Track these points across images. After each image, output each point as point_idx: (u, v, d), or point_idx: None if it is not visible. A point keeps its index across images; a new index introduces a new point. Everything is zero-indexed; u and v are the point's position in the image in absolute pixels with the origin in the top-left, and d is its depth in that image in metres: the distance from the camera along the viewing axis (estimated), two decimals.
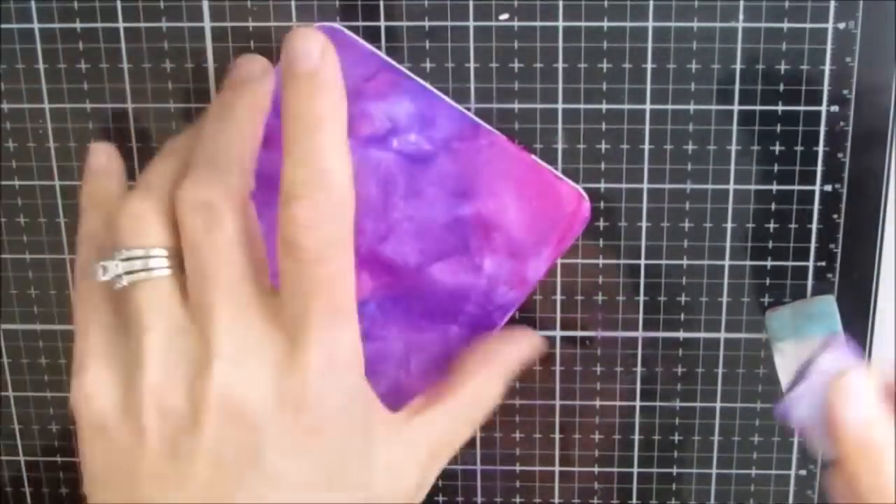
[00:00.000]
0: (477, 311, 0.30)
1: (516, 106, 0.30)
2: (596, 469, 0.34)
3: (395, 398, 0.27)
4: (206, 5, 0.29)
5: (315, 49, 0.23)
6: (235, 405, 0.22)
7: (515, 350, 0.29)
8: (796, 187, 0.30)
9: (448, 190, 0.29)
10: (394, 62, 0.29)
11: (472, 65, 0.30)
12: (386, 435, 0.25)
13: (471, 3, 0.29)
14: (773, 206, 0.31)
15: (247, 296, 0.23)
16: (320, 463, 0.23)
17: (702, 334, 0.32)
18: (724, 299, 0.32)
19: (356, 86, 0.28)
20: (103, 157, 0.28)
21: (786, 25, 0.29)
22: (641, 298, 0.32)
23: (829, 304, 0.31)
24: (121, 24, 0.30)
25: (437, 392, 0.27)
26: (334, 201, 0.23)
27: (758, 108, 0.30)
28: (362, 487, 0.24)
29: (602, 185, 0.31)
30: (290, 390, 0.23)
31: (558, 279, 0.31)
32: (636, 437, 0.33)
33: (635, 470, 0.34)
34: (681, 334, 0.32)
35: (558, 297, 0.32)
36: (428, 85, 0.29)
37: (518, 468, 0.34)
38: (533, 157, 0.29)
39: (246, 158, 0.25)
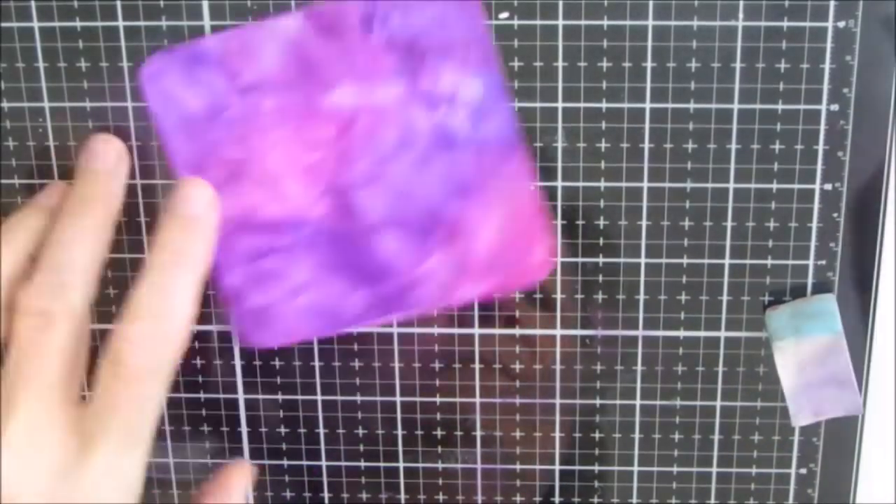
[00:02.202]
0: (385, 293, 0.30)
1: (516, 105, 0.30)
2: (596, 468, 0.34)
3: (263, 318, 0.29)
4: (205, 4, 0.29)
5: (202, 197, 0.26)
6: (9, 495, 0.23)
7: (237, 487, 0.32)
8: (796, 186, 0.30)
9: (452, 179, 0.29)
10: (492, 44, 0.29)
11: None
12: None
13: None
14: (773, 205, 0.31)
15: (53, 402, 0.24)
16: None
17: (702, 333, 0.32)
18: (725, 298, 0.32)
19: (450, 38, 0.28)
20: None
21: (786, 24, 0.29)
22: (641, 297, 0.32)
23: (829, 304, 0.31)
24: (121, 23, 0.30)
25: None
26: (169, 336, 0.25)
27: (758, 106, 0.30)
28: None
29: (602, 184, 0.31)
30: (64, 495, 0.24)
31: (558, 278, 0.31)
32: (636, 435, 0.33)
33: (636, 468, 0.34)
34: (681, 333, 0.32)
35: (558, 295, 0.32)
36: (506, 84, 0.29)
37: (518, 467, 0.34)
38: (541, 206, 0.29)
39: (91, 271, 0.26)
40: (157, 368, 0.25)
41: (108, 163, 0.28)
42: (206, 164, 0.29)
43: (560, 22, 0.29)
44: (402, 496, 0.34)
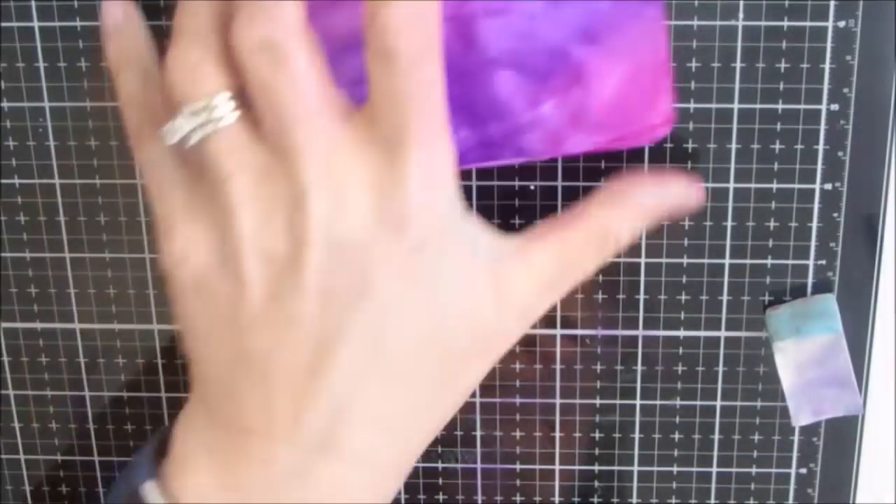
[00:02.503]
0: (491, 135, 0.27)
1: None
2: (596, 468, 0.34)
3: None
4: None
5: None
6: (337, 235, 0.21)
7: (659, 194, 0.26)
8: (796, 186, 0.30)
9: (582, 23, 0.27)
10: None
11: None
12: (495, 255, 0.23)
13: None
14: (773, 205, 0.31)
15: (329, 123, 0.22)
16: (430, 284, 0.22)
17: (702, 333, 0.32)
18: (725, 298, 0.32)
19: None
20: (120, 14, 0.26)
21: (786, 24, 0.29)
22: (642, 297, 0.32)
23: (829, 303, 0.31)
24: None
25: (562, 220, 0.25)
26: (427, 8, 0.22)
27: (758, 106, 0.30)
28: (467, 315, 0.23)
29: (602, 184, 0.31)
30: (392, 210, 0.22)
31: None
32: (636, 435, 0.33)
33: (636, 468, 0.34)
34: (681, 333, 0.32)
35: None
36: None
37: (518, 467, 0.34)
38: (668, 62, 0.27)
39: None
40: (428, 45, 0.22)
41: None
42: None
43: None
44: (403, 496, 0.34)
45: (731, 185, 0.31)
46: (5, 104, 0.31)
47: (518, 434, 0.33)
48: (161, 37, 0.30)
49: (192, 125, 0.22)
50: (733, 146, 0.30)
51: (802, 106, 0.30)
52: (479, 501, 0.34)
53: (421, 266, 0.22)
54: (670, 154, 0.30)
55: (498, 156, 0.28)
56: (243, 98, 0.23)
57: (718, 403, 0.33)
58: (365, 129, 0.22)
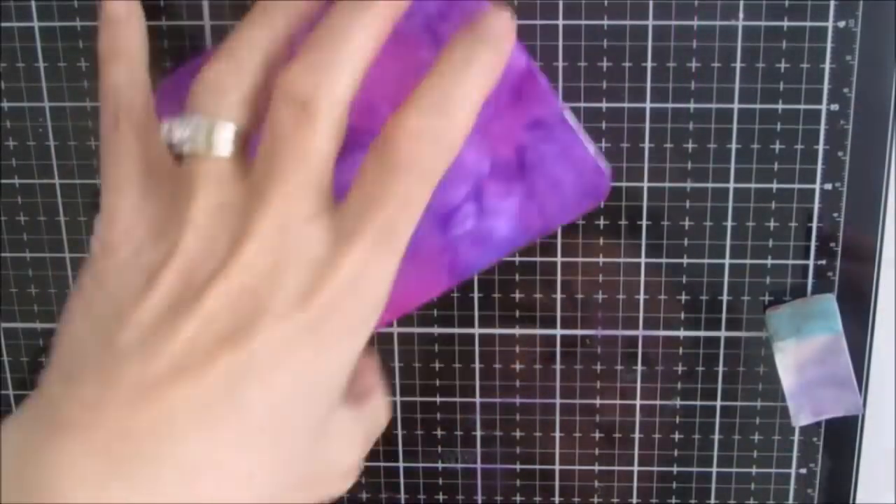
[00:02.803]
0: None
1: None
2: (596, 467, 0.34)
3: None
4: (205, 4, 0.29)
5: (503, 23, 0.23)
6: (250, 282, 0.22)
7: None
8: (796, 186, 0.30)
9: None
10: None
11: None
12: (346, 401, 0.25)
13: None
14: (773, 205, 0.31)
15: (308, 200, 0.22)
16: (306, 374, 0.22)
17: (702, 333, 0.32)
18: (725, 298, 0.32)
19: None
20: (122, 8, 0.26)
21: (786, 24, 0.29)
22: (641, 297, 0.32)
23: (829, 303, 0.31)
24: None
25: (372, 384, 0.27)
26: (446, 137, 0.22)
27: (758, 106, 0.30)
28: (322, 431, 0.24)
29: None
30: (312, 289, 0.22)
31: (558, 278, 0.31)
32: (636, 435, 0.33)
33: (636, 468, 0.34)
34: (681, 333, 0.32)
35: (558, 295, 0.32)
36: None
37: (518, 467, 0.34)
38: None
39: (366, 63, 0.23)
40: (428, 168, 0.22)
41: None
42: None
43: (560, 22, 0.29)
44: (402, 496, 0.34)
45: (731, 185, 0.31)
46: (5, 104, 0.31)
47: (518, 434, 0.33)
48: (161, 37, 0.30)
49: (191, 135, 0.23)
50: (733, 146, 0.30)
51: (802, 106, 0.30)
52: (479, 501, 0.34)
53: (308, 348, 0.22)
54: (670, 154, 0.30)
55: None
56: (248, 137, 0.23)
57: (718, 403, 0.33)
58: (331, 218, 0.23)
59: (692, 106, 0.30)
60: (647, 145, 0.30)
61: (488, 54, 0.23)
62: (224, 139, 0.23)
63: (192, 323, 0.22)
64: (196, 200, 0.23)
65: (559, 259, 0.31)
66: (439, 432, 0.33)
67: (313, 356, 0.22)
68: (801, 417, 0.32)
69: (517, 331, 0.32)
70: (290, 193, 0.22)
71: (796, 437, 0.33)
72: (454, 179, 0.28)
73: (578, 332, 0.32)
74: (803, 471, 0.33)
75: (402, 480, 0.34)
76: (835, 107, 0.30)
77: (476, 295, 0.32)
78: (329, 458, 0.25)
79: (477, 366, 0.33)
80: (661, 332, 0.32)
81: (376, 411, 0.27)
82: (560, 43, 0.29)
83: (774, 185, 0.30)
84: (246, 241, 0.22)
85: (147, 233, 0.23)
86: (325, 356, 0.22)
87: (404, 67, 0.27)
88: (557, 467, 0.34)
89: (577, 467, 0.34)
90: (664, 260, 0.31)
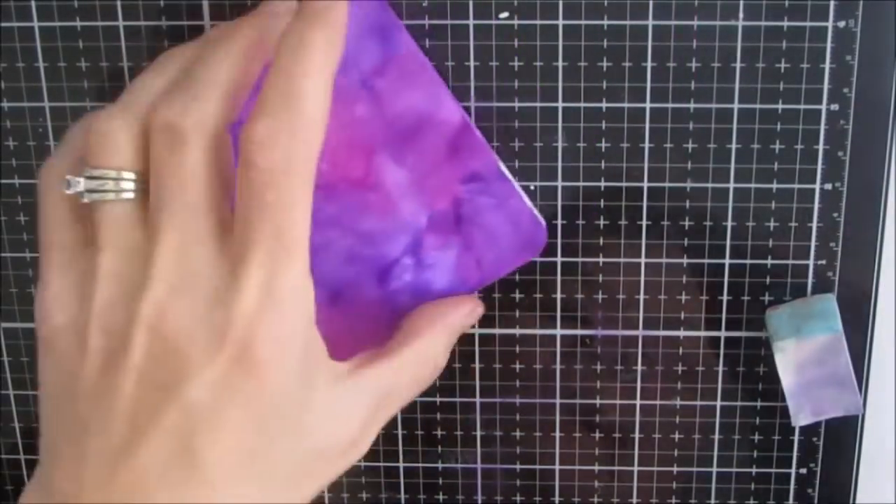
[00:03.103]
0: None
1: (516, 104, 0.30)
2: (596, 467, 0.34)
3: None
4: (205, 4, 0.29)
5: None
6: (164, 331, 0.22)
7: (460, 316, 0.29)
8: (796, 186, 0.30)
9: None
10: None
11: (471, 63, 0.30)
12: (327, 381, 0.24)
13: (470, 2, 0.29)
14: (773, 205, 0.31)
15: (198, 223, 0.23)
16: (250, 403, 0.22)
17: (702, 333, 0.32)
18: (725, 298, 0.32)
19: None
20: None
21: (786, 24, 0.29)
22: (642, 297, 0.32)
23: (829, 303, 0.31)
24: (121, 23, 0.30)
25: (383, 348, 0.27)
26: (297, 129, 0.22)
27: (758, 106, 0.30)
28: (296, 433, 0.23)
29: (602, 184, 0.31)
30: (222, 323, 0.22)
31: (558, 278, 0.31)
32: (637, 435, 0.33)
33: (636, 468, 0.34)
34: (681, 333, 0.32)
35: (559, 295, 0.32)
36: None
37: (518, 467, 0.34)
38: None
39: (231, 88, 0.24)
40: (290, 166, 0.22)
41: (276, 9, 0.25)
42: None
43: (560, 22, 0.29)
44: (402, 496, 0.34)
45: (731, 185, 0.31)
46: (5, 104, 0.31)
47: (518, 434, 0.33)
48: (162, 37, 0.30)
49: (87, 187, 0.23)
50: (733, 146, 0.30)
51: (802, 106, 0.30)
52: (479, 501, 0.34)
53: (242, 386, 0.22)
54: (670, 154, 0.30)
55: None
56: (148, 186, 0.24)
57: (718, 403, 0.33)
58: (225, 238, 0.23)
59: (692, 106, 0.30)
60: (647, 145, 0.30)
61: (319, 32, 0.23)
62: (123, 184, 0.23)
63: (128, 378, 0.22)
64: (104, 251, 0.23)
65: (559, 259, 0.31)
66: (439, 432, 0.33)
67: (255, 384, 0.22)
68: (801, 417, 0.32)
69: (517, 331, 0.32)
70: (179, 219, 0.23)
71: (796, 437, 0.33)
72: (392, 233, 0.28)
73: (578, 332, 0.32)
74: (803, 471, 0.33)
75: (402, 480, 0.34)
76: (835, 107, 0.30)
77: (476, 295, 0.32)
78: (318, 446, 0.24)
79: (477, 366, 0.33)
80: (661, 332, 0.32)
81: (384, 375, 0.26)
82: (560, 43, 0.29)
83: (774, 185, 0.30)
84: (150, 284, 0.22)
85: (70, 292, 0.24)
86: (267, 377, 0.22)
87: (339, 123, 0.27)
88: (557, 467, 0.34)
89: (577, 467, 0.34)
90: (664, 260, 0.31)
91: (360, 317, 0.29)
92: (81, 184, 0.23)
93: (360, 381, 0.25)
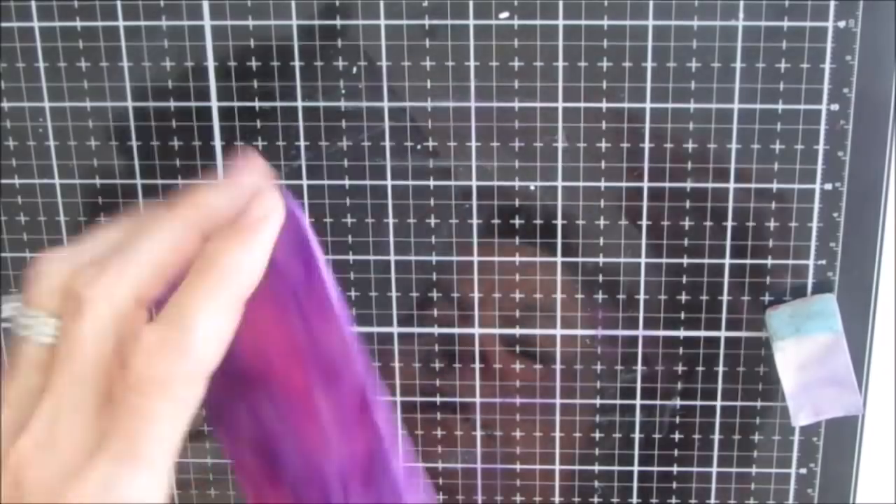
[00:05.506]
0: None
1: (516, 104, 0.30)
2: (596, 467, 0.34)
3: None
4: (206, 4, 0.29)
5: (271, 210, 0.24)
6: (20, 480, 0.23)
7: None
8: (796, 186, 0.30)
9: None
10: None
11: (472, 63, 0.30)
12: None
13: (471, 2, 0.29)
14: (773, 205, 0.31)
15: (77, 392, 0.24)
16: None
17: (702, 332, 0.32)
18: (725, 298, 0.32)
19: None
20: None
21: (786, 24, 0.29)
22: (642, 297, 0.32)
23: (829, 303, 0.31)
24: (121, 23, 0.30)
25: None
26: (185, 349, 0.23)
27: (758, 106, 0.30)
28: None
29: (602, 184, 0.31)
30: (62, 496, 0.23)
31: (558, 278, 0.31)
32: (637, 435, 0.33)
33: (636, 468, 0.34)
34: (681, 333, 0.32)
35: (559, 295, 0.32)
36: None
37: (519, 467, 0.34)
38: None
39: (156, 266, 0.24)
40: (165, 382, 0.23)
41: (237, 189, 0.26)
42: None
43: (560, 22, 0.29)
44: None
45: (731, 185, 0.31)
46: (5, 104, 0.31)
47: (518, 434, 0.33)
48: (161, 37, 0.30)
49: (24, 323, 0.24)
50: (733, 146, 0.30)
51: (802, 106, 0.30)
52: (479, 501, 0.34)
53: None
54: (670, 154, 0.30)
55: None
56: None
57: (718, 403, 0.33)
58: (103, 416, 0.24)
59: (692, 106, 0.30)
60: (647, 145, 0.30)
61: (237, 256, 0.23)
62: (46, 329, 0.24)
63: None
64: (11, 385, 0.24)
65: (559, 259, 0.31)
66: (440, 432, 0.33)
67: None
68: (801, 417, 0.32)
69: (517, 331, 0.32)
70: (61, 383, 0.24)
71: (796, 437, 0.33)
72: (324, 458, 0.28)
73: (578, 332, 0.32)
74: (803, 471, 0.33)
75: None
76: (835, 107, 0.30)
77: (476, 295, 0.32)
78: None
79: (477, 366, 0.33)
80: (661, 332, 0.32)
81: None
82: (560, 43, 0.29)
83: (774, 186, 0.30)
84: (23, 433, 0.23)
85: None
86: None
87: (271, 328, 0.27)
88: (557, 467, 0.34)
89: (577, 467, 0.34)
90: (664, 260, 0.31)
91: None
92: (17, 318, 0.25)
93: None
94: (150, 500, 0.24)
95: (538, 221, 0.31)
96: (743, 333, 0.32)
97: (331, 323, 0.26)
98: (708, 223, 0.31)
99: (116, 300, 0.24)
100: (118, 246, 0.25)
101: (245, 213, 0.24)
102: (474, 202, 0.31)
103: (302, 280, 0.26)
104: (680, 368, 0.32)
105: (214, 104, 0.31)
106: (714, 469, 0.33)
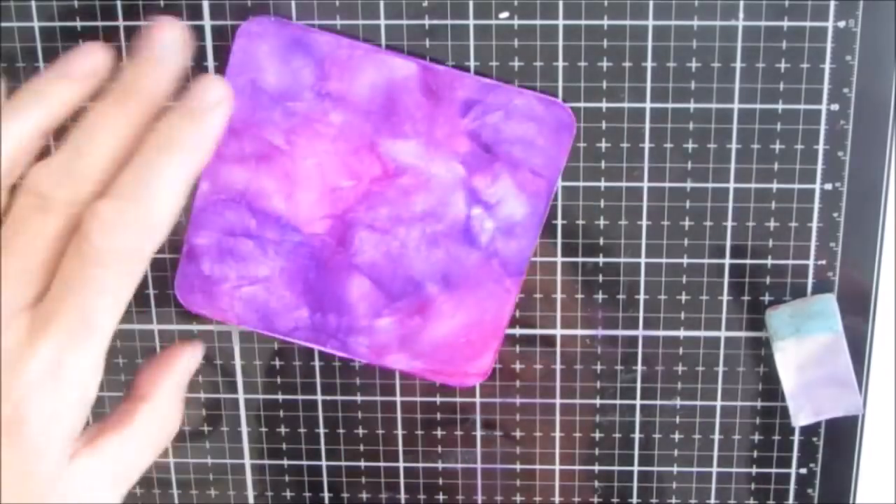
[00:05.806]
0: (323, 324, 0.31)
1: None
2: (596, 468, 0.34)
3: (203, 286, 0.30)
4: (206, 4, 0.29)
5: (216, 91, 0.24)
6: None
7: (180, 368, 0.28)
8: (796, 186, 0.30)
9: (444, 268, 0.31)
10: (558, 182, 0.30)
11: (472, 63, 0.30)
12: (72, 459, 0.24)
13: (471, 2, 0.29)
14: (773, 205, 0.31)
15: (26, 283, 0.23)
16: (6, 470, 0.23)
17: (702, 333, 0.32)
18: (725, 298, 0.32)
19: (528, 160, 0.29)
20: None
21: (786, 24, 0.29)
22: (641, 297, 0.32)
23: (829, 303, 0.31)
24: (121, 23, 0.30)
25: (113, 417, 0.26)
26: (144, 221, 0.23)
27: (758, 106, 0.30)
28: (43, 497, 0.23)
29: (602, 184, 0.31)
30: (6, 389, 0.22)
31: (558, 278, 0.31)
32: (637, 435, 0.33)
33: (636, 468, 0.34)
34: (681, 333, 0.32)
35: (559, 295, 0.32)
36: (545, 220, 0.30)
37: (519, 467, 0.34)
38: (503, 331, 0.31)
39: (113, 167, 0.24)
40: (123, 253, 0.23)
41: (164, 51, 0.25)
42: (245, 132, 0.29)
43: (560, 22, 0.29)
44: (402, 496, 0.34)
45: (731, 185, 0.31)
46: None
47: (518, 434, 0.33)
48: None
49: None
50: (733, 146, 0.30)
51: (802, 106, 0.30)
52: (479, 501, 0.34)
53: (5, 448, 0.22)
54: (670, 154, 0.30)
55: (323, 343, 0.31)
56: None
57: (718, 403, 0.33)
58: (40, 305, 0.23)
59: (692, 106, 0.30)
60: (647, 145, 0.30)
61: (192, 133, 0.24)
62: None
63: None
64: None
65: (559, 259, 0.31)
66: (438, 432, 0.33)
67: (15, 454, 0.22)
68: (801, 417, 0.32)
69: (517, 331, 0.32)
70: (8, 276, 0.23)
71: (796, 437, 0.33)
72: (445, 198, 0.29)
73: (578, 332, 0.32)
74: (803, 471, 0.33)
75: (402, 480, 0.34)
76: (835, 107, 0.30)
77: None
78: None
79: None
80: (661, 332, 0.32)
81: (115, 449, 0.25)
82: (560, 43, 0.29)
83: (774, 185, 0.30)
84: None
85: None
86: (27, 451, 0.23)
87: (329, 139, 0.30)
88: (557, 467, 0.34)
89: (577, 467, 0.34)
90: (664, 260, 0.31)
91: (477, 285, 0.30)
92: None
93: (92, 458, 0.25)
94: (96, 370, 0.23)
95: None
96: (743, 333, 0.32)
97: (356, 62, 0.29)
98: (708, 223, 0.31)
99: (81, 203, 0.23)
100: (72, 143, 0.24)
101: (196, 97, 0.24)
102: None
103: (311, 67, 0.29)
104: (680, 368, 0.32)
105: None
106: (714, 469, 0.33)
